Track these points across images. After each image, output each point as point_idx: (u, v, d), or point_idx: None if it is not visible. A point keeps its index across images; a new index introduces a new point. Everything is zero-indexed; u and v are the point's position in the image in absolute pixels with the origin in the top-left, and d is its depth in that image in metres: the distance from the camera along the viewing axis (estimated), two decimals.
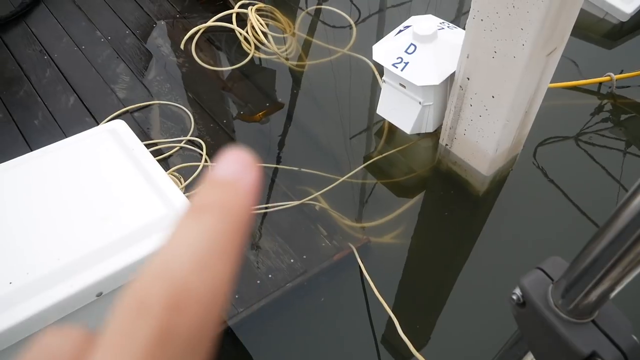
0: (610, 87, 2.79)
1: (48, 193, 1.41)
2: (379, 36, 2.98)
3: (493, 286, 2.03)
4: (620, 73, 2.78)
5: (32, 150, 2.40)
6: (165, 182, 1.48)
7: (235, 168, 0.20)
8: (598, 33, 3.18)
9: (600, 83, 2.81)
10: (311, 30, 3.16)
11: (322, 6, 3.31)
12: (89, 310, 1.32)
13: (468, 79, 2.09)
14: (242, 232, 0.19)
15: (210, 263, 0.18)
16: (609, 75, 2.76)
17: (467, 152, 2.34)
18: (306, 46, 3.06)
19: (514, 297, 0.65)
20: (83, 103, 2.62)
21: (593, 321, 0.57)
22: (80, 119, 2.55)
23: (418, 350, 1.85)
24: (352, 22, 3.16)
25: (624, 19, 3.12)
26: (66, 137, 2.47)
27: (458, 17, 3.31)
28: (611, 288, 0.52)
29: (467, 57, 2.04)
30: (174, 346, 0.17)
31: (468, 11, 1.95)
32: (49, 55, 2.82)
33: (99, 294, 1.29)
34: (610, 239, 0.49)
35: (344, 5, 3.28)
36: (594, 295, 0.54)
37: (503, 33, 1.86)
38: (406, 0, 3.42)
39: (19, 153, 2.41)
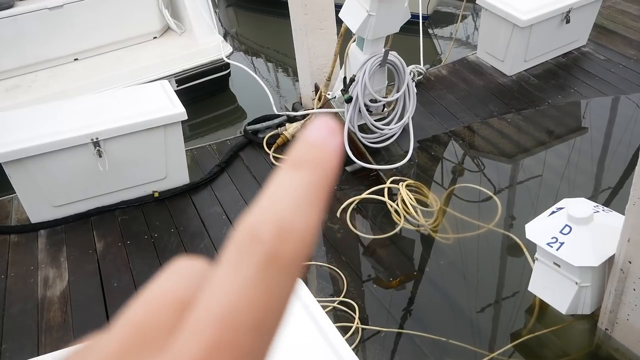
0: None
1: None
2: (526, 213, 3.08)
3: None
4: None
5: None
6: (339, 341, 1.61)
7: (324, 132, 0.24)
8: None
9: None
10: (456, 205, 3.35)
11: (463, 184, 3.53)
12: None
13: (630, 262, 2.08)
14: (330, 184, 0.23)
15: (307, 207, 0.22)
16: None
17: (632, 339, 2.22)
18: (452, 220, 3.23)
19: None
20: None
21: None
22: None
23: None
24: (493, 196, 3.32)
25: None
26: None
27: (595, 195, 3.29)
28: None
29: (628, 240, 2.06)
30: (279, 268, 0.21)
31: (606, 189, 2.01)
32: (227, 216, 3.30)
33: None
34: None
35: (483, 182, 3.47)
36: None
37: None
38: (536, 175, 3.50)
39: None
